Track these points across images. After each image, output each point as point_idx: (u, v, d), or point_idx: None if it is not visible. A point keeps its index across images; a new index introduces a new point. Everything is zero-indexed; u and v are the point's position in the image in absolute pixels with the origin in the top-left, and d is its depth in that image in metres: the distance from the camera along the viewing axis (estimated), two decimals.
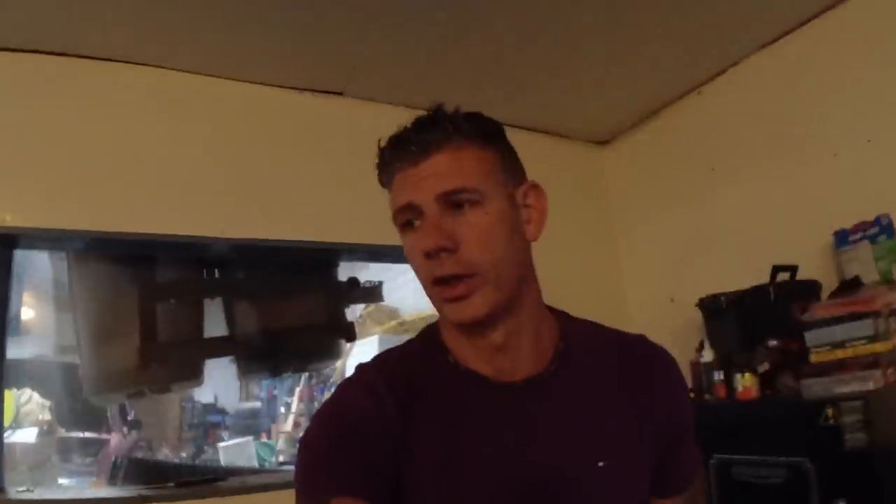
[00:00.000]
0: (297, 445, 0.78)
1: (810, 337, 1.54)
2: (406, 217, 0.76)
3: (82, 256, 2.08)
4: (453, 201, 0.74)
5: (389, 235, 1.45)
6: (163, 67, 1.98)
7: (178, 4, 1.71)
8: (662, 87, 2.42)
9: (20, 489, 1.84)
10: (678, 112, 2.49)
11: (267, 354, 2.25)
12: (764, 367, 1.61)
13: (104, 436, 3.95)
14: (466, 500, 0.76)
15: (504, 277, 0.75)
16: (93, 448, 3.86)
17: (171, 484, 1.79)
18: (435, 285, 0.75)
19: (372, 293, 2.36)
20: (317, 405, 5.25)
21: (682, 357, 1.68)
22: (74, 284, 2.11)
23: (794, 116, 2.07)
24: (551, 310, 0.86)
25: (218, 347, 2.25)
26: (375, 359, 0.85)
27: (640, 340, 0.87)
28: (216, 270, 2.28)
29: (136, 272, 2.07)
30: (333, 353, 2.40)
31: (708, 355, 1.81)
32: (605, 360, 0.83)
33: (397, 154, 0.76)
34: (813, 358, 1.52)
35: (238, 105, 2.09)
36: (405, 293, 3.89)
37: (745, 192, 2.19)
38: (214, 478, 2.02)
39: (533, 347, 0.80)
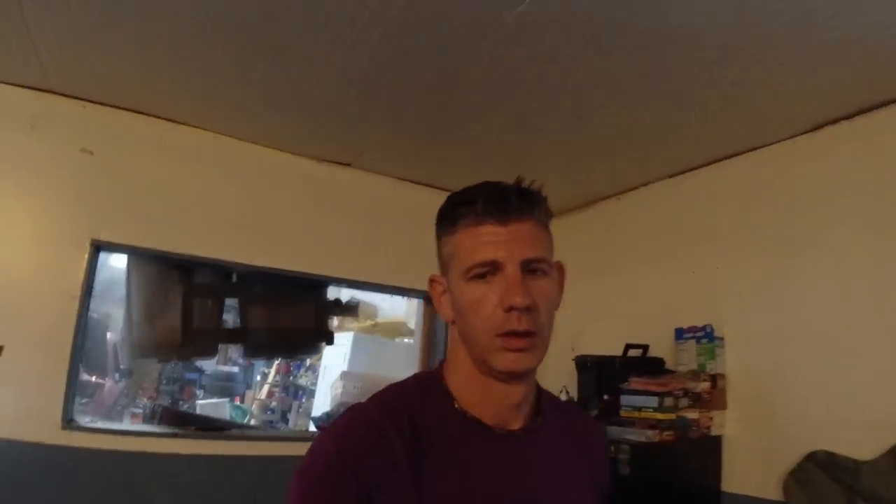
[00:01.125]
0: (294, 474, 0.81)
1: (623, 398, 2.37)
2: (484, 270, 0.84)
3: (142, 260, 2.90)
4: (532, 268, 0.85)
5: (366, 273, 2.39)
6: (220, 133, 2.79)
7: (234, 88, 2.35)
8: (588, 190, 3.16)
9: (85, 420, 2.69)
10: (598, 210, 3.28)
11: (267, 345, 3.10)
12: (595, 413, 2.44)
13: (98, 380, 4.75)
14: None
15: (547, 339, 0.87)
16: (89, 389, 4.60)
17: (194, 428, 2.66)
18: (501, 336, 0.83)
19: (350, 309, 3.22)
20: (291, 379, 6.03)
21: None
22: (133, 277, 2.93)
23: (671, 237, 2.83)
24: None
25: (233, 336, 3.12)
26: (379, 398, 0.91)
27: (575, 408, 1.06)
28: (235, 277, 3.11)
29: (180, 275, 2.90)
30: (315, 349, 3.29)
31: (563, 397, 2.65)
32: (561, 420, 0.99)
33: (491, 208, 0.84)
34: (622, 413, 2.35)
35: (269, 167, 2.89)
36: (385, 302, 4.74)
37: (628, 282, 2.98)
38: (224, 427, 2.91)
39: (531, 405, 0.93)
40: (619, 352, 2.65)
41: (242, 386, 6.33)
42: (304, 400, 5.87)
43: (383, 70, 2.12)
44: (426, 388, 0.92)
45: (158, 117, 2.66)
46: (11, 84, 2.40)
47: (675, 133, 2.47)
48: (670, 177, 2.90)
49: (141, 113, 2.61)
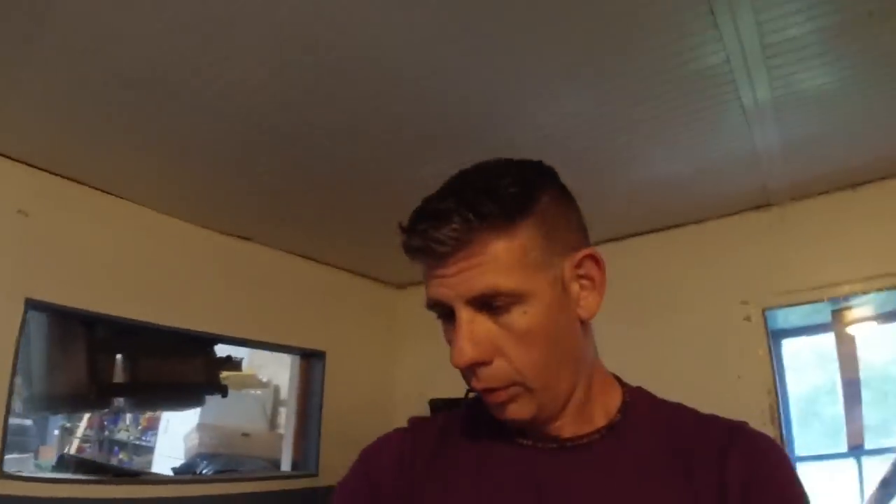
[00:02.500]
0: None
1: None
2: (439, 311, 0.73)
3: (43, 315, 3.23)
4: (489, 304, 0.69)
5: (249, 332, 3.08)
6: (136, 202, 3.26)
7: (146, 161, 2.95)
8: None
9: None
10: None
11: (157, 398, 3.54)
12: None
13: None
14: None
15: (550, 382, 0.71)
16: None
17: (110, 475, 3.03)
18: (475, 389, 0.73)
19: (235, 365, 3.79)
20: (107, 433, 6.07)
21: None
22: (32, 331, 3.23)
23: None
24: (622, 384, 0.83)
25: (123, 389, 3.51)
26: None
27: (725, 424, 0.75)
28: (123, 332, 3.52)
29: (82, 329, 3.27)
30: (201, 402, 3.77)
31: None
32: (668, 439, 0.74)
33: (418, 248, 0.70)
34: None
35: (178, 236, 3.44)
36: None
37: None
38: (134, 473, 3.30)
39: (578, 416, 0.76)
40: (460, 394, 3.55)
41: (37, 440, 6.16)
42: (120, 455, 5.94)
43: (274, 157, 2.75)
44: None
45: (85, 185, 3.08)
46: None
47: None
48: None
49: (72, 180, 3.03)
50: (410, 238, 0.71)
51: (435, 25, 1.84)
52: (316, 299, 4.03)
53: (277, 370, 5.07)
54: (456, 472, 0.79)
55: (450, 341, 0.73)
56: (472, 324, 0.69)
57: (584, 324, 0.77)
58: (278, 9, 1.77)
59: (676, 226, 3.45)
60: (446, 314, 0.73)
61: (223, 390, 3.63)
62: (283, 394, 4.38)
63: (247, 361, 5.18)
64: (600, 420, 0.78)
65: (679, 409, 0.81)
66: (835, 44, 1.90)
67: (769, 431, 2.76)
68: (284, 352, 3.95)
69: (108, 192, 3.15)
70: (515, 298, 0.68)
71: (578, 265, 0.74)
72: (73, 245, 3.02)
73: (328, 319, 4.09)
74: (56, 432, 6.03)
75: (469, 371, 0.71)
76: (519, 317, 0.69)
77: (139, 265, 3.25)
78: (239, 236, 3.65)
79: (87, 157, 2.86)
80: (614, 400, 0.80)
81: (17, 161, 2.83)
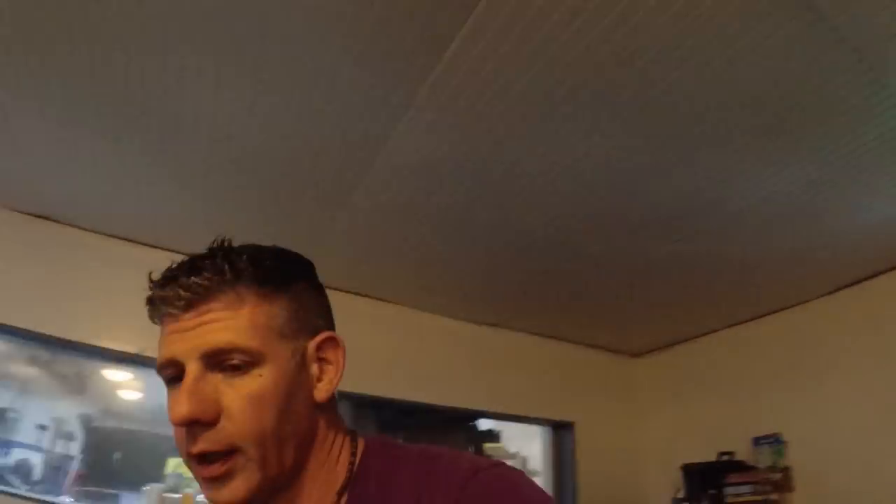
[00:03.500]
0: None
1: (727, 490, 3.42)
2: (168, 374, 0.69)
3: (343, 402, 4.05)
4: (222, 362, 0.66)
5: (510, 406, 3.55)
6: (410, 307, 4.05)
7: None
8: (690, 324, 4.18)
9: None
10: (681, 351, 4.45)
11: None
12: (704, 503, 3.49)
13: None
14: None
15: (273, 453, 0.67)
16: None
17: None
18: (191, 459, 0.67)
19: (495, 437, 4.33)
20: None
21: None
22: None
23: (741, 370, 4.00)
24: (368, 445, 0.77)
25: None
26: None
27: (447, 474, 0.69)
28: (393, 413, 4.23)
29: (372, 412, 4.02)
30: None
31: (680, 494, 3.70)
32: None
33: (164, 297, 0.68)
34: (728, 500, 3.39)
35: (431, 329, 4.12)
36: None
37: (729, 409, 4.00)
38: None
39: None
40: (711, 458, 3.72)
41: None
42: None
43: (521, 256, 3.31)
44: None
45: (366, 297, 3.92)
46: None
47: (734, 293, 3.68)
48: (736, 325, 4.09)
49: (357, 294, 3.88)
50: (159, 286, 0.70)
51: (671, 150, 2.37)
52: (560, 373, 4.44)
53: (524, 443, 5.50)
54: None
55: (169, 411, 0.67)
56: (201, 381, 0.66)
57: (321, 406, 0.74)
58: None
59: None
60: (175, 377, 0.68)
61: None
62: (530, 464, 4.76)
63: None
64: None
65: (408, 465, 0.73)
66: None
67: None
68: (536, 423, 4.39)
69: (383, 300, 3.95)
70: (253, 359, 0.67)
71: (319, 347, 0.74)
72: (361, 345, 3.78)
73: (573, 391, 4.46)
74: None
75: (189, 432, 0.66)
76: (253, 379, 0.67)
77: (410, 356, 3.96)
78: (487, 324, 4.25)
79: (370, 276, 3.70)
80: (338, 480, 0.74)
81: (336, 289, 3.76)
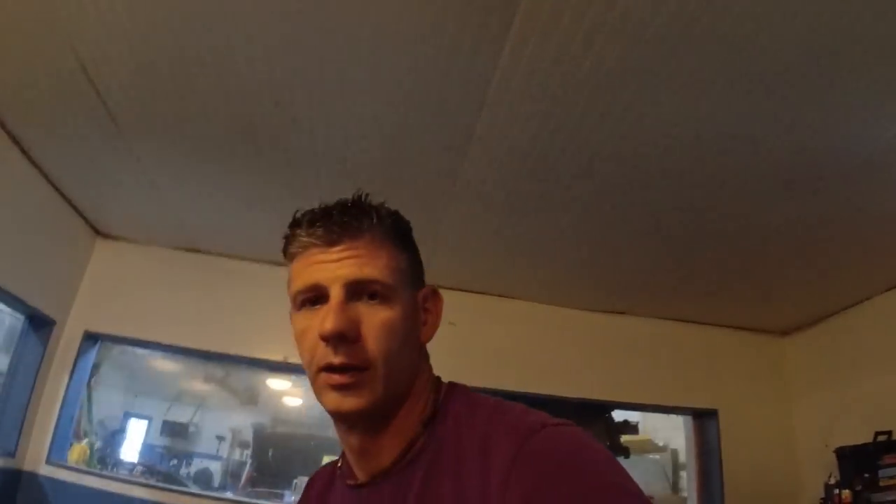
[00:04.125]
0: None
1: (880, 472, 3.20)
2: (308, 296, 0.79)
3: None
4: (363, 291, 0.77)
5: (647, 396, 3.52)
6: (533, 302, 4.17)
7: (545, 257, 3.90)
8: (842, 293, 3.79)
9: None
10: (831, 325, 4.18)
11: None
12: (858, 489, 3.28)
13: None
14: None
15: (393, 376, 0.77)
16: None
17: None
18: (322, 371, 0.76)
19: (632, 428, 4.31)
20: None
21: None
22: None
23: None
24: (449, 388, 0.85)
25: None
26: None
27: (515, 424, 0.72)
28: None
29: None
30: None
31: (832, 479, 3.50)
32: (464, 456, 0.73)
33: (315, 230, 0.78)
34: (880, 483, 3.17)
35: (557, 321, 4.20)
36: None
37: (887, 385, 3.65)
38: None
39: (387, 454, 0.79)
40: (868, 439, 3.49)
41: None
42: None
43: (648, 237, 3.30)
44: None
45: (489, 294, 4.09)
46: None
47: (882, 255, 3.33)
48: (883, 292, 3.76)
49: (481, 293, 4.06)
50: (308, 221, 0.80)
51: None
52: (699, 359, 4.32)
53: (672, 434, 5.34)
54: None
55: (305, 329, 0.79)
56: (346, 305, 0.76)
57: (422, 347, 0.86)
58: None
59: None
60: (312, 300, 0.79)
61: (625, 451, 4.15)
62: (681, 457, 4.66)
63: (641, 427, 5.61)
64: (407, 438, 0.79)
65: (483, 417, 0.77)
66: None
67: None
68: (675, 413, 4.32)
69: (505, 297, 4.10)
70: (388, 294, 0.78)
71: (426, 297, 0.86)
72: (487, 341, 3.99)
73: (715, 377, 4.31)
74: None
75: (331, 346, 0.75)
76: (387, 310, 0.77)
77: (539, 350, 4.07)
78: (616, 312, 4.26)
79: (492, 276, 3.87)
80: (418, 426, 0.80)
81: (449, 289, 4.00)
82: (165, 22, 2.04)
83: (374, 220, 0.80)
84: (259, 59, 2.16)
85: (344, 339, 0.74)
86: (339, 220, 0.78)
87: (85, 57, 2.26)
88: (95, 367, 4.03)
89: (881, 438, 3.49)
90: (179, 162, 2.91)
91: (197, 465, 5.83)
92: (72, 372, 3.63)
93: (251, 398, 6.31)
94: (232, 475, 5.63)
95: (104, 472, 3.68)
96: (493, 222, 3.22)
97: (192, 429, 6.25)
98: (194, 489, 4.29)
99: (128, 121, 2.62)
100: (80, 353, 3.69)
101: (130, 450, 5.47)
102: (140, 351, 4.83)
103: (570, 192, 2.87)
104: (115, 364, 5.88)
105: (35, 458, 3.43)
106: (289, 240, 0.81)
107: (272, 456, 5.23)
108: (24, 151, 3.02)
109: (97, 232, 3.85)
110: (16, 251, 3.14)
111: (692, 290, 3.94)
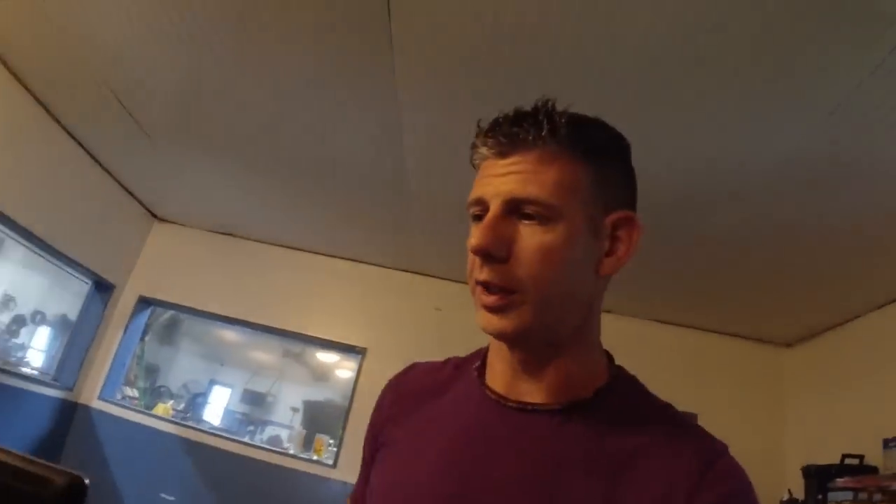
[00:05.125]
0: None
1: (829, 495, 3.11)
2: (476, 211, 0.76)
3: None
4: (521, 210, 0.72)
5: None
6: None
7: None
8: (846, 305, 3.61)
9: None
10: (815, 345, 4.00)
11: None
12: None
13: None
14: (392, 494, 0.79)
15: (549, 304, 0.72)
16: None
17: None
18: (476, 285, 0.74)
19: None
20: None
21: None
22: None
23: (880, 364, 3.50)
24: (612, 364, 0.81)
25: None
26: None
27: (690, 431, 0.73)
28: None
29: None
30: None
31: (785, 497, 3.42)
32: (637, 432, 0.72)
33: (486, 141, 0.75)
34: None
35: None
36: None
37: (845, 403, 3.60)
38: None
39: (558, 382, 0.76)
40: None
41: None
42: None
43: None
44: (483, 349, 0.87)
45: None
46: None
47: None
48: (877, 308, 3.57)
49: None
50: (483, 133, 0.76)
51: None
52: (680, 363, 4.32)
53: None
54: (420, 422, 0.84)
55: (468, 243, 0.75)
56: (500, 222, 0.72)
57: (601, 282, 0.77)
58: None
59: None
60: (480, 216, 0.75)
61: None
62: None
63: None
64: (577, 390, 0.75)
65: (653, 402, 0.78)
66: None
67: None
68: None
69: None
70: (549, 214, 0.71)
71: (616, 223, 0.76)
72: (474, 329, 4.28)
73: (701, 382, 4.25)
74: None
75: (480, 261, 0.73)
76: (545, 232, 0.71)
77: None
78: (608, 311, 4.38)
79: None
80: (596, 376, 0.78)
81: (434, 277, 4.39)
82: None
83: (547, 131, 0.73)
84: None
85: (490, 257, 0.72)
86: (507, 132, 0.74)
87: (119, 89, 3.02)
88: (147, 327, 4.86)
89: (849, 461, 3.38)
90: (220, 171, 3.65)
91: (269, 431, 6.49)
92: (126, 328, 4.46)
93: (323, 375, 6.98)
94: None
95: (142, 410, 4.44)
96: None
97: (269, 398, 7.00)
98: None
99: (162, 137, 3.40)
100: (134, 313, 4.51)
101: (212, 413, 6.28)
102: (223, 327, 5.64)
103: None
104: (197, 336, 6.83)
105: (89, 395, 4.26)
106: (470, 151, 0.79)
107: (325, 425, 5.70)
108: (92, 157, 3.89)
109: (154, 216, 4.68)
110: (85, 232, 4.01)
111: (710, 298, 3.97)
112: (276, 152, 3.25)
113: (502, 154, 0.74)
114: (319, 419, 6.07)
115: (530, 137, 0.72)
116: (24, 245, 3.74)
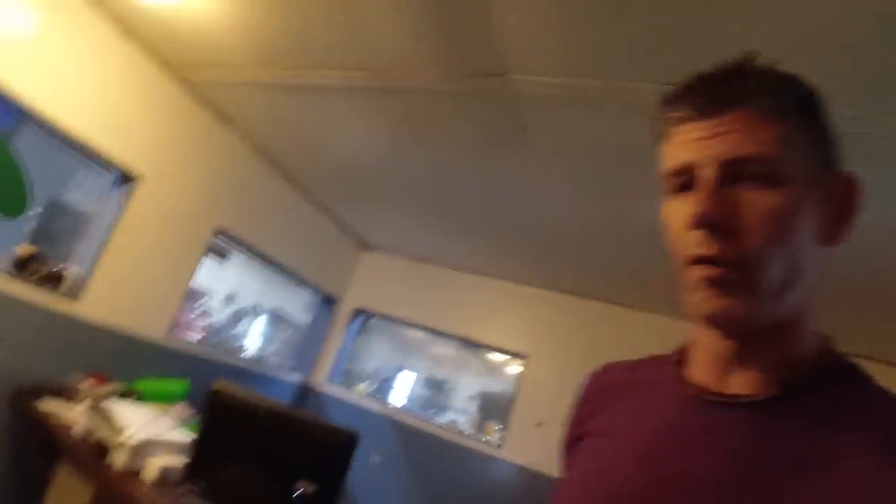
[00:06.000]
0: None
1: None
2: (679, 181, 0.68)
3: None
4: (741, 173, 0.64)
5: None
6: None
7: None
8: None
9: None
10: None
11: None
12: None
13: None
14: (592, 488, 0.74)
15: (779, 280, 0.64)
16: None
17: None
18: (694, 263, 0.65)
19: None
20: None
21: None
22: None
23: None
24: (832, 349, 0.70)
25: None
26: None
27: None
28: None
29: None
30: None
31: None
32: (855, 428, 0.62)
33: (684, 102, 0.68)
34: None
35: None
36: None
37: None
38: None
39: (769, 371, 0.68)
40: None
41: None
42: None
43: None
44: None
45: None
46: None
47: None
48: None
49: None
50: (676, 95, 0.69)
51: None
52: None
53: None
54: (618, 415, 0.80)
55: (672, 219, 0.69)
56: (722, 187, 0.64)
57: (822, 254, 0.68)
58: None
59: None
60: (683, 186, 0.68)
61: None
62: None
63: None
64: (788, 379, 0.67)
65: (892, 404, 0.65)
66: None
67: None
68: None
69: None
70: (774, 174, 0.64)
71: (837, 188, 0.68)
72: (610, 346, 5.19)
73: None
74: None
75: (705, 233, 0.64)
76: (773, 195, 0.63)
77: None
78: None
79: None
80: (811, 363, 0.68)
81: (582, 297, 5.33)
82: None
83: (760, 87, 0.66)
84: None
85: (717, 228, 0.63)
86: (708, 91, 0.67)
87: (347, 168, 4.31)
88: (363, 332, 6.28)
89: None
90: (417, 218, 4.74)
91: (448, 416, 7.58)
92: (346, 331, 5.90)
93: (494, 369, 8.09)
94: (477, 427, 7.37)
95: (353, 394, 5.86)
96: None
97: (448, 386, 8.17)
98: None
99: (374, 198, 4.61)
100: (352, 320, 5.93)
101: (399, 395, 7.54)
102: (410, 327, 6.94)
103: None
104: (386, 331, 8.16)
105: (319, 379, 5.74)
106: (657, 117, 0.72)
107: (493, 415, 6.72)
108: (313, 202, 5.23)
109: (364, 245, 6.08)
110: (314, 261, 5.44)
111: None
112: (459, 204, 4.18)
113: (706, 115, 0.67)
114: (489, 408, 7.10)
115: (741, 93, 0.66)
116: (268, 268, 5.22)
